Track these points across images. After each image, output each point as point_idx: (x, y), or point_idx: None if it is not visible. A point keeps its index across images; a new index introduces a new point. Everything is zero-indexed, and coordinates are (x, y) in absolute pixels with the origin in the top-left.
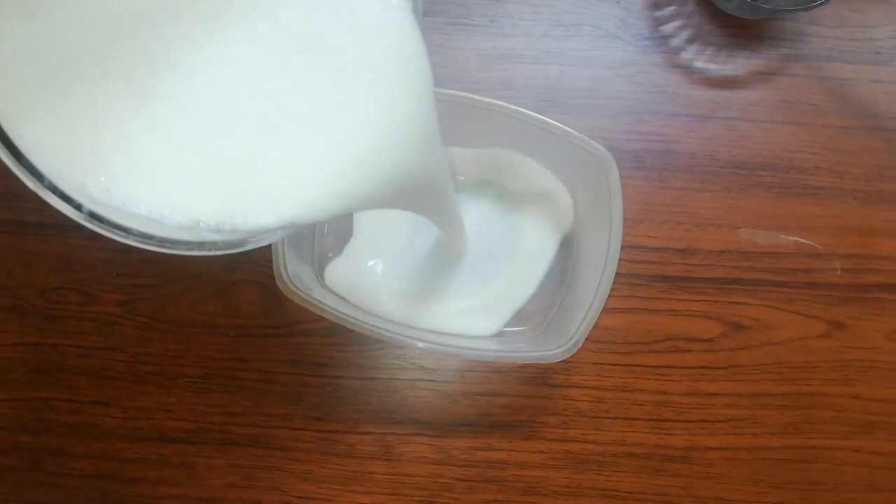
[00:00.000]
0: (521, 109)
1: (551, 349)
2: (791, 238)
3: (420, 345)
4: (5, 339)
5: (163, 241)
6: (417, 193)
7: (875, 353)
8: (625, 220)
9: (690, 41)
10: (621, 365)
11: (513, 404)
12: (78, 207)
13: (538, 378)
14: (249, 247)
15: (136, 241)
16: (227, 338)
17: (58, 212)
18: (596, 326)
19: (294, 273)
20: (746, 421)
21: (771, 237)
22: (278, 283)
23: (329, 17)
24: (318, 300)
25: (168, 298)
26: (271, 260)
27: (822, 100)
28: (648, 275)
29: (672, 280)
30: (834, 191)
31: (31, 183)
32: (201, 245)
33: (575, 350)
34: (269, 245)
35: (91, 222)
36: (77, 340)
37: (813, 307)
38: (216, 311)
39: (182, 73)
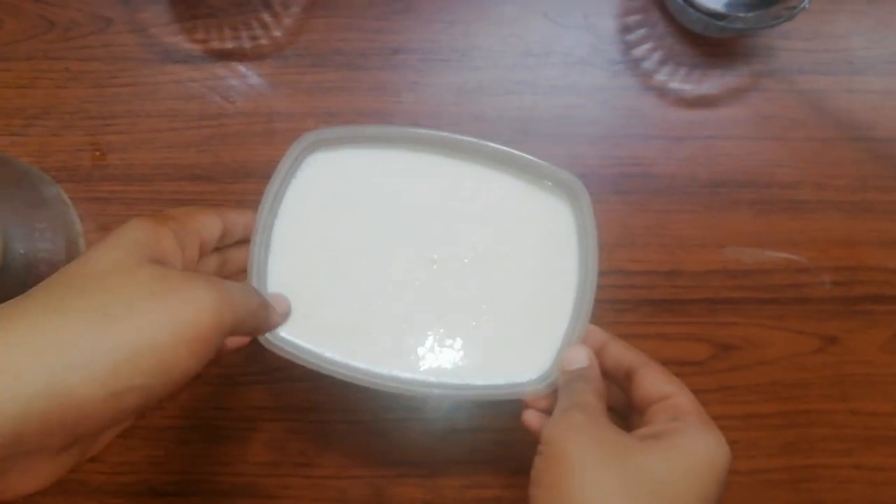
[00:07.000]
0: (489, 143)
1: (535, 384)
2: (777, 254)
3: (399, 389)
4: None
5: None
6: None
7: (870, 366)
8: (605, 245)
9: (663, 63)
10: None
11: (504, 439)
12: None
13: None
14: None
15: None
16: (211, 386)
17: None
18: None
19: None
20: (742, 443)
21: (757, 254)
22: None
23: None
24: (295, 352)
25: None
26: None
27: (800, 113)
28: (634, 300)
29: (659, 304)
30: (817, 204)
31: None
32: None
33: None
34: None
35: None
36: None
37: (804, 323)
38: None
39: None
